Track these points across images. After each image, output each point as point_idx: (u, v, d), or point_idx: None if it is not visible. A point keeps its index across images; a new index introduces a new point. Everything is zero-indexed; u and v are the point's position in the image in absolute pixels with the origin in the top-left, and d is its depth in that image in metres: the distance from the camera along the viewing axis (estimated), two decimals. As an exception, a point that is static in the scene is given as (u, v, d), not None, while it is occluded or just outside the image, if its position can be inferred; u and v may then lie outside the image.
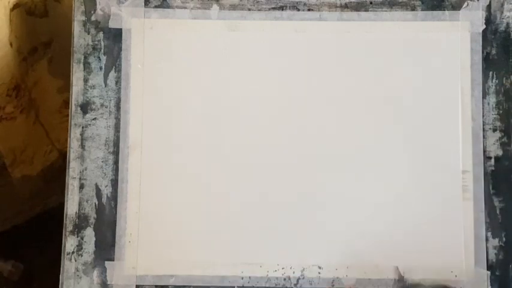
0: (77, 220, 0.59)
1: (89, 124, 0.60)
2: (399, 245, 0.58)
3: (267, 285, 0.58)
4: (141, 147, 0.60)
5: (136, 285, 0.58)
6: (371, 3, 0.61)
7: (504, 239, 0.58)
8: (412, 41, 0.60)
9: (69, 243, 0.59)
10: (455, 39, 0.60)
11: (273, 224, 0.59)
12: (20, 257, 0.94)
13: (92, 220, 0.59)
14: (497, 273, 0.58)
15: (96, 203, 0.59)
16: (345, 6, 0.61)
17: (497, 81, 0.60)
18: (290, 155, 0.59)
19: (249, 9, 0.61)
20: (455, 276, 0.58)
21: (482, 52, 0.60)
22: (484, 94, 0.60)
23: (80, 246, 0.59)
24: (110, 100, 0.60)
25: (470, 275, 0.58)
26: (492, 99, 0.60)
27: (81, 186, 0.60)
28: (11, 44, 0.72)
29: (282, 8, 0.61)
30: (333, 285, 0.58)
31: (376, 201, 0.59)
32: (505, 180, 0.59)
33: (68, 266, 0.59)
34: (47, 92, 0.82)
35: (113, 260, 0.59)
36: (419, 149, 0.59)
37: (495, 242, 0.58)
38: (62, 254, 0.59)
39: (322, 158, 0.59)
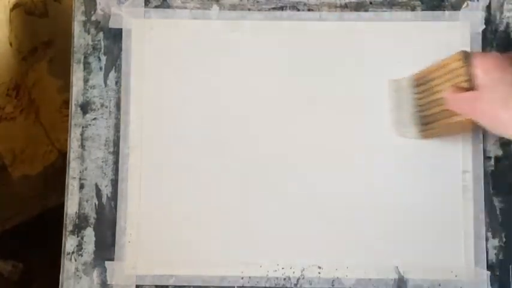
0: (77, 220, 0.59)
1: (89, 124, 0.60)
2: (399, 245, 0.58)
3: (267, 285, 0.58)
4: (141, 147, 0.60)
5: (136, 285, 0.58)
6: (371, 3, 0.61)
7: (504, 239, 0.58)
8: (412, 41, 0.60)
9: (69, 243, 0.59)
10: (455, 39, 0.60)
11: (273, 224, 0.59)
12: (20, 257, 0.94)
13: (92, 220, 0.59)
14: (497, 273, 0.58)
15: (96, 203, 0.59)
16: (345, 6, 0.61)
17: (497, 81, 0.60)
18: (290, 155, 0.59)
19: (249, 9, 0.61)
20: (455, 276, 0.58)
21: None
22: (484, 94, 0.60)
23: (80, 246, 0.59)
24: (110, 100, 0.60)
25: (470, 275, 0.58)
26: (492, 99, 0.60)
27: (81, 186, 0.60)
28: (10, 44, 0.72)
29: (282, 8, 0.61)
30: (333, 285, 0.58)
31: (376, 201, 0.59)
32: (505, 180, 0.59)
33: (68, 266, 0.59)
34: (47, 92, 0.82)
35: (113, 260, 0.59)
36: (419, 149, 0.59)
37: (495, 242, 0.58)
38: (62, 254, 0.59)
39: (322, 158, 0.59)
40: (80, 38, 0.61)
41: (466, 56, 0.51)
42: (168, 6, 0.61)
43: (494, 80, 0.47)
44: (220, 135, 0.60)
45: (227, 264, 0.58)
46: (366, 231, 0.59)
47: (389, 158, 0.59)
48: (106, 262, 0.59)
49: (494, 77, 0.47)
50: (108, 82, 0.61)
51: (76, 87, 0.61)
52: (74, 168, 0.60)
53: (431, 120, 0.54)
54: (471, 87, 0.50)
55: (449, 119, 0.53)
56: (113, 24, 0.61)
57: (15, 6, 0.71)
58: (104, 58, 0.61)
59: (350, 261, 0.58)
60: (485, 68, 0.48)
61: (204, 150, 0.60)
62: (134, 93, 0.60)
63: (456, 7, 0.60)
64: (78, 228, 0.59)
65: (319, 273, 0.58)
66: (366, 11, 0.61)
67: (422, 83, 0.55)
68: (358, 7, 0.61)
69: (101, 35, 0.61)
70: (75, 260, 0.59)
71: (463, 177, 0.59)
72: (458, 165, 0.59)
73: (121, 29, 0.61)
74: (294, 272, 0.58)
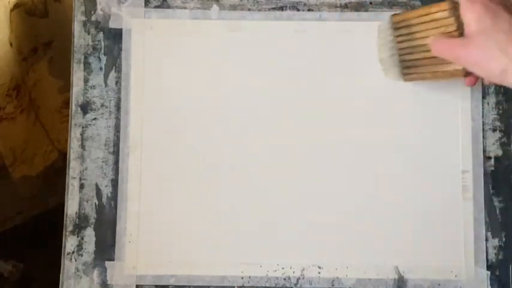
0: (77, 220, 0.59)
1: (89, 124, 0.60)
2: (399, 245, 0.58)
3: (267, 285, 0.58)
4: (141, 147, 0.60)
5: (136, 285, 0.58)
6: (371, 3, 0.61)
7: (504, 239, 0.58)
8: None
9: (69, 243, 0.59)
10: (455, 39, 0.60)
11: (273, 224, 0.59)
12: (20, 257, 0.94)
13: (92, 220, 0.59)
14: (497, 273, 0.58)
15: (96, 203, 0.59)
16: (344, 6, 0.61)
17: (497, 81, 0.60)
18: (290, 155, 0.59)
19: (249, 10, 0.61)
20: (455, 276, 0.58)
21: (482, 52, 0.60)
22: (484, 94, 0.60)
23: (80, 246, 0.59)
24: (110, 100, 0.60)
25: (470, 275, 0.58)
26: (492, 99, 0.60)
27: (81, 186, 0.60)
28: (11, 44, 0.72)
29: (282, 8, 0.61)
30: (332, 285, 0.58)
31: (376, 201, 0.59)
32: (505, 180, 0.59)
33: (68, 266, 0.59)
34: (47, 92, 0.82)
35: (113, 260, 0.59)
36: (420, 149, 0.59)
37: (495, 242, 0.58)
38: (62, 254, 0.59)
39: (322, 158, 0.59)
40: (80, 38, 0.61)
41: (454, 5, 0.49)
42: (168, 6, 0.61)
43: (487, 28, 0.46)
44: (220, 134, 0.60)
45: (227, 264, 0.59)
46: (366, 231, 0.59)
47: (389, 159, 0.59)
48: (106, 262, 0.59)
49: (486, 24, 0.46)
50: (108, 82, 0.61)
51: (76, 87, 0.61)
52: (74, 168, 0.60)
53: (412, 64, 0.54)
54: (460, 36, 0.49)
55: (435, 67, 0.52)
56: (113, 24, 0.61)
57: (15, 7, 0.71)
58: (104, 58, 0.61)
59: (350, 261, 0.58)
60: (476, 17, 0.47)
61: (204, 149, 0.60)
62: (134, 93, 0.60)
63: (456, 7, 0.60)
64: (78, 228, 0.59)
65: (319, 273, 0.58)
66: (366, 11, 0.61)
67: (403, 27, 0.54)
68: (358, 7, 0.61)
69: (101, 35, 0.61)
70: (75, 260, 0.59)
71: (463, 177, 0.59)
72: (458, 165, 0.59)
73: (121, 29, 0.61)
74: (294, 272, 0.58)
